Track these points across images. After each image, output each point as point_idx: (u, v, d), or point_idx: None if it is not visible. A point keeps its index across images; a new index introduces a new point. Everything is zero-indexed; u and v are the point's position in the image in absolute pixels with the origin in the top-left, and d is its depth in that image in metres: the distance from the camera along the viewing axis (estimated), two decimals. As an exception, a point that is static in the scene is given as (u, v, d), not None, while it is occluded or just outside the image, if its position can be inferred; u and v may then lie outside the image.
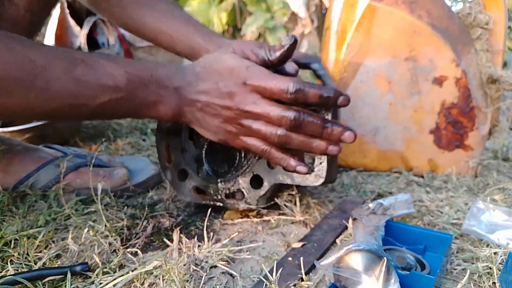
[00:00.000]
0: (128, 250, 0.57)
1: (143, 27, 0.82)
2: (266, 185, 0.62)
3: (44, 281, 0.49)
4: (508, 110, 0.95)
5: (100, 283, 0.49)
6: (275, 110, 0.53)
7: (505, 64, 2.52)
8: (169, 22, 0.80)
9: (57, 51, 0.51)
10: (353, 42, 0.88)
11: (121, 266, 0.53)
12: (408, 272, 0.46)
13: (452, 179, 0.84)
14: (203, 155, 0.68)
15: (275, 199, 0.66)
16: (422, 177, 0.87)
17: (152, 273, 0.50)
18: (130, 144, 1.14)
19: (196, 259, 0.52)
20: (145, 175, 0.82)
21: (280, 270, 0.48)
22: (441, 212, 0.68)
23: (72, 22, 1.64)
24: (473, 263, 0.53)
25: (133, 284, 0.49)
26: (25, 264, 0.54)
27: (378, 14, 0.86)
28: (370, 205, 0.57)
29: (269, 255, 0.55)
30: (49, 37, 1.67)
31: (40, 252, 0.57)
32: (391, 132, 0.89)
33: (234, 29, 2.90)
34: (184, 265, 0.50)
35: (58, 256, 0.57)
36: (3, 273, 0.52)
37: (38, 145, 0.84)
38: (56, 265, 0.55)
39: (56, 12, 1.62)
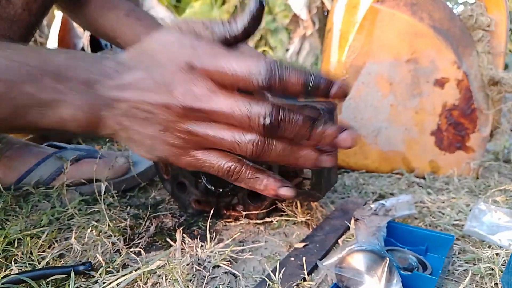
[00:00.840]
0: (131, 250, 0.58)
1: (101, 25, 0.79)
2: (264, 200, 0.63)
3: (47, 280, 0.49)
4: (509, 112, 0.95)
5: (104, 283, 0.49)
6: (241, 106, 0.35)
7: (506, 66, 2.53)
8: (131, 24, 0.77)
9: None
10: (355, 44, 0.88)
11: (124, 266, 0.54)
12: (410, 273, 0.46)
13: (453, 180, 0.84)
14: None
15: (276, 201, 0.66)
16: (424, 178, 0.87)
17: (155, 272, 0.50)
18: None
19: (199, 259, 0.52)
20: (146, 164, 0.82)
21: (283, 270, 0.48)
22: (443, 213, 0.68)
23: (75, 23, 1.64)
24: (475, 264, 0.53)
25: (136, 284, 0.49)
26: (28, 263, 0.54)
27: (379, 16, 0.86)
28: (372, 206, 0.57)
29: (272, 256, 0.55)
30: (52, 38, 1.68)
31: (44, 251, 0.58)
32: (393, 133, 0.90)
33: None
34: (187, 264, 0.51)
35: (61, 256, 0.57)
36: (7, 272, 0.52)
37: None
38: (60, 265, 0.55)
39: (59, 13, 1.63)
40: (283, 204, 0.67)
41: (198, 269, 0.50)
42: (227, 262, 0.52)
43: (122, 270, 0.52)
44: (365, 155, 0.92)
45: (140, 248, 0.58)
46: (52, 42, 1.65)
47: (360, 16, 0.88)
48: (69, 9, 0.83)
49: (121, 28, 0.77)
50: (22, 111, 0.38)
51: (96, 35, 0.87)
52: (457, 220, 0.65)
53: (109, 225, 0.62)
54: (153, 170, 0.82)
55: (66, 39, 1.72)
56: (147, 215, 0.67)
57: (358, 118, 0.91)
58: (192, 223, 0.66)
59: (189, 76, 0.36)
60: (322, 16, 2.25)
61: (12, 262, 0.53)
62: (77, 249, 0.57)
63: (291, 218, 0.65)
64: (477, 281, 0.49)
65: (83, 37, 1.58)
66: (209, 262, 0.52)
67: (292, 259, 0.52)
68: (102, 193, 0.67)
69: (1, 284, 0.47)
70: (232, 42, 0.41)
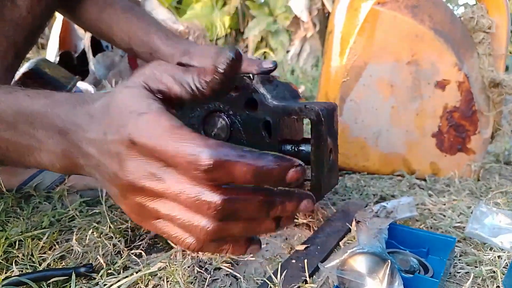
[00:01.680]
0: (132, 251, 0.58)
1: (99, 25, 0.79)
2: None
3: (48, 282, 0.49)
4: (510, 114, 0.95)
5: (105, 284, 0.49)
6: (189, 193, 0.32)
7: (507, 68, 2.53)
8: (128, 21, 0.76)
9: None
10: (355, 46, 0.88)
11: (125, 268, 0.54)
12: (411, 275, 0.46)
13: (454, 182, 0.84)
14: None
15: None
16: (425, 180, 0.87)
17: (156, 274, 0.50)
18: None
19: (200, 261, 0.52)
20: None
21: (284, 272, 0.48)
22: (444, 216, 0.68)
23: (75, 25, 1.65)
24: (476, 267, 0.53)
25: (137, 286, 0.49)
26: (29, 265, 0.54)
27: (381, 18, 0.87)
28: (373, 208, 0.57)
29: (273, 258, 0.55)
30: (53, 40, 1.68)
31: (45, 253, 0.58)
32: (394, 135, 0.90)
33: (236, 33, 2.92)
34: (188, 267, 0.51)
35: (62, 257, 0.57)
36: (7, 274, 0.52)
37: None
38: (61, 266, 0.55)
39: (60, 15, 1.63)
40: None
41: (200, 271, 0.50)
42: (228, 264, 0.52)
43: (123, 272, 0.52)
44: (366, 157, 0.92)
45: (141, 250, 0.58)
46: (53, 44, 1.65)
47: (361, 19, 0.88)
48: (66, 10, 0.83)
49: (118, 25, 0.77)
50: (5, 154, 0.40)
51: (95, 35, 0.86)
52: (458, 222, 0.65)
53: (110, 227, 0.61)
54: None
55: (67, 41, 1.72)
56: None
57: (359, 120, 0.91)
58: (193, 225, 0.66)
59: (132, 151, 0.33)
60: (323, 18, 2.25)
61: (13, 264, 0.53)
62: (78, 251, 0.57)
63: (292, 220, 0.65)
64: (478, 284, 0.49)
65: (84, 39, 1.58)
66: (210, 264, 0.52)
67: (294, 261, 0.52)
68: (104, 194, 0.67)
69: (2, 286, 0.47)
70: (202, 99, 0.37)
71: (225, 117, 0.62)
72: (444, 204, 0.73)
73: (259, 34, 2.55)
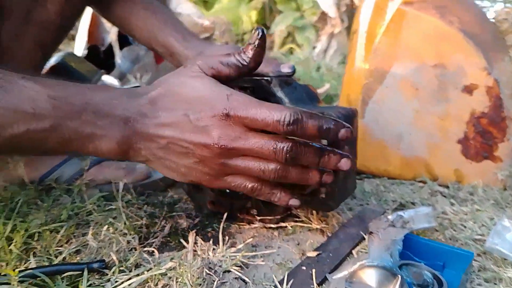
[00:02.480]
0: (146, 249, 0.58)
1: (121, 19, 0.80)
2: (278, 205, 0.62)
3: (62, 276, 0.51)
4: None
5: (116, 281, 0.50)
6: (268, 144, 0.44)
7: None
8: (147, 19, 0.77)
9: None
10: (380, 46, 0.86)
11: (137, 265, 0.54)
12: (424, 290, 0.44)
13: (478, 191, 0.81)
14: None
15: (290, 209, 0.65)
16: (447, 187, 0.84)
17: (166, 274, 0.51)
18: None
19: (210, 263, 0.52)
20: None
21: (292, 280, 0.47)
22: (465, 227, 0.66)
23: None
24: (495, 284, 0.51)
25: (147, 284, 0.50)
26: (46, 257, 0.56)
27: (407, 18, 0.84)
28: (389, 217, 0.56)
29: (283, 263, 0.55)
30: (82, 33, 1.72)
31: (61, 246, 0.59)
32: (416, 139, 0.87)
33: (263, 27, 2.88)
34: (198, 268, 0.51)
35: (77, 252, 0.58)
36: (26, 265, 0.54)
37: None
38: (76, 260, 0.56)
39: (89, 8, 1.66)
40: (298, 210, 0.66)
41: (209, 273, 0.50)
42: (238, 268, 0.52)
43: (135, 269, 0.53)
44: (387, 160, 0.90)
45: (154, 248, 0.58)
46: (82, 37, 1.69)
47: (387, 19, 0.85)
48: (94, 5, 0.85)
49: (137, 22, 0.78)
50: (67, 143, 0.44)
51: (121, 30, 0.87)
52: (479, 235, 0.62)
53: (125, 223, 0.62)
54: None
55: (95, 34, 1.75)
56: (163, 215, 0.67)
57: (380, 122, 0.89)
58: (207, 225, 0.66)
59: (225, 122, 0.44)
60: (351, 14, 2.20)
61: (31, 256, 0.55)
62: (93, 246, 0.59)
63: (306, 225, 0.64)
64: (496, 302, 0.47)
65: (111, 32, 1.60)
66: (220, 266, 0.52)
67: (304, 268, 0.52)
68: (120, 190, 0.68)
69: (19, 278, 0.48)
70: (247, 72, 0.49)
71: None
72: (466, 214, 0.70)
73: (286, 30, 2.52)
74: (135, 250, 0.58)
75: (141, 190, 0.78)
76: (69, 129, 0.44)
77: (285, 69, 0.65)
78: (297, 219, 0.66)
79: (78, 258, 0.57)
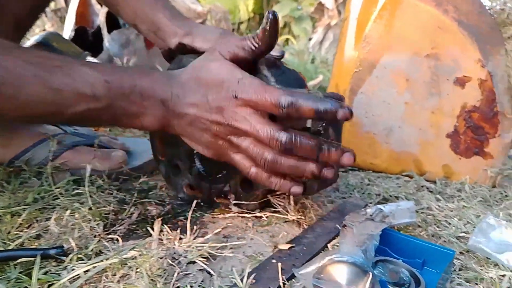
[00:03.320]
0: (110, 236, 0.55)
1: None
2: (257, 189, 0.59)
3: (16, 262, 0.47)
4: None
5: (73, 269, 0.47)
6: (265, 130, 0.48)
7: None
8: None
9: (32, 56, 0.48)
10: (371, 34, 0.82)
11: (97, 253, 0.51)
12: (398, 289, 0.41)
13: (466, 187, 0.78)
14: (194, 152, 0.63)
15: (268, 196, 0.62)
16: (435, 183, 0.81)
17: (126, 264, 0.47)
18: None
19: (174, 253, 0.49)
20: (144, 159, 0.80)
21: (253, 275, 0.44)
22: (449, 223, 0.62)
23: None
24: (476, 284, 0.48)
25: (105, 274, 0.46)
26: (2, 242, 0.52)
27: (400, 6, 0.80)
28: (369, 210, 0.53)
29: (254, 255, 0.52)
30: (70, 14, 1.67)
31: (22, 231, 0.56)
32: (406, 133, 0.84)
33: (260, 17, 2.85)
34: (161, 258, 0.47)
35: (38, 237, 0.55)
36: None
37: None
38: (34, 246, 0.53)
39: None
40: (275, 199, 0.63)
41: (171, 264, 0.47)
42: (204, 259, 0.49)
43: (95, 257, 0.50)
44: (375, 154, 0.87)
45: (119, 235, 0.55)
46: (70, 18, 1.64)
47: (379, 5, 0.81)
48: None
49: (141, 10, 0.74)
50: (117, 119, 0.52)
51: (106, 6, 0.83)
52: (463, 232, 0.59)
53: (90, 209, 0.59)
54: (152, 163, 0.79)
55: (85, 16, 1.70)
56: (133, 201, 0.64)
57: (369, 114, 0.85)
58: (179, 213, 0.63)
59: (234, 103, 0.50)
60: (349, 6, 2.16)
61: (-12, 240, 0.52)
62: (54, 231, 0.55)
63: (282, 216, 0.61)
64: (476, 304, 0.44)
65: (100, 14, 1.56)
66: (185, 257, 0.49)
67: (274, 261, 0.48)
68: (87, 174, 0.64)
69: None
70: (262, 54, 0.54)
71: None
72: (452, 211, 0.67)
73: (282, 20, 2.48)
74: (99, 237, 0.54)
75: (116, 176, 0.75)
76: (120, 108, 0.51)
77: (274, 52, 0.62)
78: (274, 210, 0.62)
79: (37, 243, 0.53)
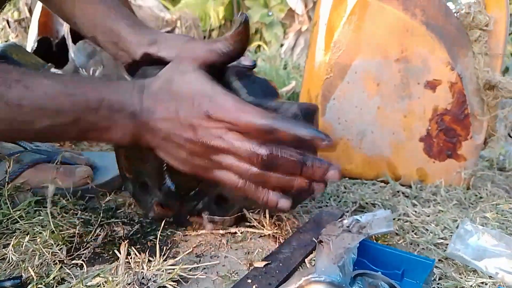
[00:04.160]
0: (74, 261, 0.51)
1: (63, 7, 0.72)
2: (232, 206, 0.57)
3: (-33, 297, 0.43)
4: (506, 118, 0.89)
5: (31, 302, 0.43)
6: (244, 146, 0.46)
7: (507, 70, 2.45)
8: (93, 5, 0.70)
9: None
10: (341, 39, 0.82)
11: (60, 282, 0.47)
12: (379, 304, 0.40)
13: (441, 191, 0.78)
14: (164, 168, 0.60)
15: (244, 210, 0.59)
16: (410, 187, 0.81)
17: (90, 292, 0.44)
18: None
19: (143, 278, 0.46)
20: (111, 175, 0.76)
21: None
22: (426, 230, 0.62)
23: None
24: (456, 292, 0.47)
25: (67, 305, 0.43)
26: (-46, 275, 0.48)
27: (369, 10, 0.80)
28: (345, 221, 0.51)
29: (228, 275, 0.49)
30: (33, 25, 1.61)
31: (-24, 260, 0.51)
32: (379, 137, 0.83)
33: (231, 24, 2.83)
34: (128, 284, 0.44)
35: (-6, 266, 0.51)
36: None
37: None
38: (-10, 277, 0.49)
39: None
40: (250, 214, 0.61)
41: (139, 290, 0.44)
42: (175, 282, 0.46)
43: (56, 286, 0.46)
44: (349, 159, 0.86)
45: (83, 260, 0.51)
46: (33, 29, 1.58)
47: (348, 10, 0.81)
48: None
49: (82, 9, 0.69)
50: (85, 134, 0.49)
51: (63, 20, 0.78)
52: (441, 239, 0.59)
53: (53, 232, 0.55)
54: (119, 180, 0.75)
55: (48, 26, 1.64)
56: (98, 222, 0.60)
57: (342, 120, 0.84)
58: (148, 232, 0.60)
59: (207, 122, 0.46)
60: (319, 11, 2.17)
61: None
62: (13, 259, 0.51)
63: (257, 231, 0.59)
64: (457, 314, 0.43)
65: (64, 24, 1.50)
66: (154, 281, 0.46)
67: (249, 281, 0.46)
68: (50, 194, 0.60)
69: None
70: (233, 57, 0.53)
71: None
72: (428, 216, 0.67)
73: (253, 26, 2.47)
74: (62, 263, 0.51)
75: (82, 194, 0.71)
76: (87, 122, 0.47)
77: (246, 62, 0.60)
78: (249, 224, 0.60)
79: (-8, 274, 0.49)
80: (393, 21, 0.79)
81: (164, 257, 0.50)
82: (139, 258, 0.49)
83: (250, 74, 0.57)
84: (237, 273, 0.50)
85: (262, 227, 0.59)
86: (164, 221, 0.58)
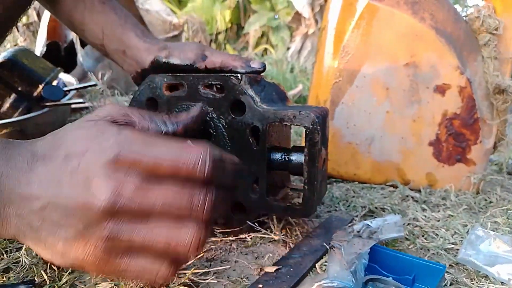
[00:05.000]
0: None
1: (72, 15, 0.72)
2: (249, 214, 0.57)
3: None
4: (515, 122, 0.88)
5: (45, 306, 0.43)
6: (184, 195, 0.31)
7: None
8: (103, 13, 0.70)
9: None
10: (349, 44, 0.82)
11: (72, 285, 0.48)
12: (391, 311, 0.40)
13: (451, 195, 0.78)
14: None
15: (262, 214, 0.60)
16: (419, 192, 0.81)
17: (102, 297, 0.44)
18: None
19: (154, 282, 0.46)
20: None
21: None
22: (436, 235, 0.61)
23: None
24: (468, 299, 0.47)
25: (79, 309, 0.43)
26: (-32, 279, 0.48)
27: (377, 14, 0.80)
28: (355, 227, 0.51)
29: (239, 280, 0.49)
30: (42, 29, 1.62)
31: (-11, 264, 0.52)
32: (387, 142, 0.83)
33: (237, 27, 2.85)
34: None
35: (7, 270, 0.51)
36: None
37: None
38: (3, 281, 0.49)
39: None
40: (264, 218, 0.61)
41: (151, 295, 0.44)
42: (186, 287, 0.46)
43: (68, 290, 0.46)
44: (357, 164, 0.86)
45: (95, 264, 0.52)
46: (42, 33, 1.60)
47: (357, 15, 0.81)
48: (46, 3, 0.76)
49: (92, 17, 0.69)
50: None
51: (69, 28, 0.79)
52: (451, 244, 0.58)
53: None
54: None
55: (57, 31, 1.66)
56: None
57: (350, 124, 0.84)
58: (159, 236, 0.60)
59: (115, 169, 0.31)
60: (326, 15, 2.17)
61: (-50, 277, 0.48)
62: (26, 263, 0.52)
63: (267, 236, 0.59)
64: (469, 321, 0.43)
65: (73, 29, 1.52)
66: (166, 286, 0.46)
67: (261, 286, 0.46)
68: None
69: None
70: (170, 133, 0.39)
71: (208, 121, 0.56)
72: (438, 221, 0.67)
73: (260, 30, 2.47)
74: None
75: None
76: None
77: (255, 65, 0.59)
78: (258, 228, 0.60)
79: (5, 278, 0.49)
80: (402, 25, 0.79)
81: (175, 261, 0.51)
82: (150, 263, 0.50)
83: (260, 79, 0.58)
84: (248, 278, 0.50)
85: (271, 232, 0.59)
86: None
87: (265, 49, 2.47)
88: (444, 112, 0.79)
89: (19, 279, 0.49)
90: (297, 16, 2.27)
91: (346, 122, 0.84)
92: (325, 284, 0.36)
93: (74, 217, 0.31)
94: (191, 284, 0.47)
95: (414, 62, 0.79)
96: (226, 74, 0.55)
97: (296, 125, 0.52)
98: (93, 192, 0.30)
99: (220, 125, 0.56)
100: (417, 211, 0.70)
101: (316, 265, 0.52)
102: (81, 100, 1.06)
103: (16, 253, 0.54)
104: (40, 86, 1.01)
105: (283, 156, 0.55)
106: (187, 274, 0.47)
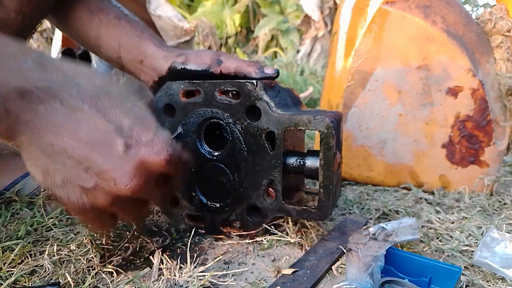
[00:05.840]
0: (107, 269, 0.53)
1: (87, 31, 0.72)
2: (265, 216, 0.58)
3: (10, 302, 0.45)
4: (529, 124, 0.88)
5: (70, 308, 0.45)
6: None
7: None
8: (119, 27, 0.71)
9: None
10: (361, 48, 0.82)
11: (95, 287, 0.49)
12: (408, 312, 0.40)
13: (465, 197, 0.78)
14: (195, 181, 0.61)
15: (278, 217, 0.61)
16: (433, 194, 0.81)
17: (124, 299, 0.46)
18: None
19: (175, 284, 0.47)
20: None
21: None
22: (451, 237, 0.62)
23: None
24: (484, 300, 0.47)
25: (103, 311, 0.45)
26: (-5, 281, 0.50)
27: (389, 18, 0.81)
28: (371, 229, 0.52)
29: (257, 282, 0.50)
30: (57, 36, 1.65)
31: (14, 267, 0.54)
32: (400, 145, 0.84)
33: (247, 31, 2.86)
34: (161, 291, 0.46)
35: (32, 273, 0.53)
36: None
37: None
38: (29, 283, 0.51)
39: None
40: (279, 221, 0.62)
41: (172, 297, 0.45)
42: (206, 289, 0.47)
43: (92, 292, 0.48)
44: (370, 167, 0.86)
45: (116, 267, 0.53)
46: (57, 40, 1.63)
47: (368, 19, 0.82)
48: (56, 15, 0.78)
49: (108, 31, 0.71)
50: None
51: (81, 45, 0.79)
52: (466, 246, 0.59)
53: (87, 240, 0.57)
54: None
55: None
56: (132, 228, 0.62)
57: (363, 127, 0.85)
58: (178, 239, 0.61)
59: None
60: (334, 18, 2.18)
61: (-22, 279, 0.50)
62: (49, 266, 0.53)
63: (283, 238, 0.60)
64: (486, 323, 0.43)
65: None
66: (186, 288, 0.47)
67: (278, 287, 0.47)
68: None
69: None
70: None
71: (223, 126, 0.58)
72: (453, 223, 0.67)
73: (270, 33, 2.49)
74: (96, 269, 0.53)
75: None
76: None
77: (269, 71, 0.61)
78: (274, 231, 0.61)
79: (31, 280, 0.51)
80: (413, 29, 0.80)
81: (194, 264, 0.52)
82: (170, 265, 0.51)
83: (274, 84, 0.59)
84: (265, 280, 0.51)
85: (287, 235, 0.60)
86: (194, 229, 0.59)
87: (275, 52, 2.49)
88: (457, 114, 0.80)
89: (44, 282, 0.51)
90: (307, 19, 2.28)
91: (359, 125, 0.85)
92: (344, 286, 0.37)
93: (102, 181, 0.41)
94: (211, 286, 0.48)
95: (426, 65, 0.80)
96: (242, 81, 0.56)
97: (311, 129, 0.53)
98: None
99: (236, 130, 0.57)
100: (431, 214, 0.70)
101: (333, 267, 0.52)
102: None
103: (40, 256, 0.56)
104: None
105: (298, 160, 0.56)
106: (206, 276, 0.49)
